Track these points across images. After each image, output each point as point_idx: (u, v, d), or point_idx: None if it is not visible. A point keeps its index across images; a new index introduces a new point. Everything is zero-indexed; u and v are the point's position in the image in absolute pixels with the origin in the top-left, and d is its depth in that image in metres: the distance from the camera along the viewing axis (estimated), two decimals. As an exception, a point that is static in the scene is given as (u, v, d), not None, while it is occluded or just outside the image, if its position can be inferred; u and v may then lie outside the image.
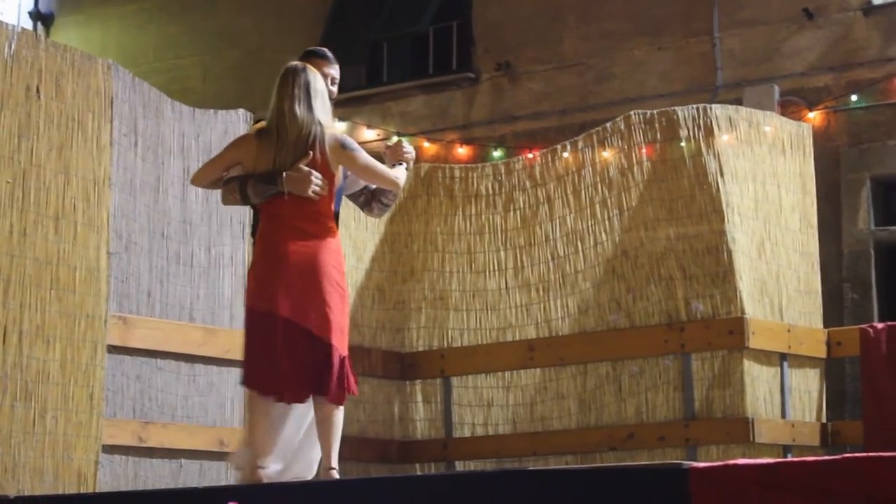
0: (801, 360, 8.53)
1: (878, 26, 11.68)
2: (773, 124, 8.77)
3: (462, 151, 13.01)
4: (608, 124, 8.75)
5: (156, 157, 7.56)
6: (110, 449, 7.06)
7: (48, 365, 6.74)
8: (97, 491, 6.81)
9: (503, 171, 9.08)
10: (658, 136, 8.48)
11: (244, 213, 7.95)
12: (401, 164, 6.10)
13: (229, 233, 7.92)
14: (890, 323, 8.68)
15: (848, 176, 11.50)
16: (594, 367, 8.55)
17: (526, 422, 8.78)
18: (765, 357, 8.24)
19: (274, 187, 5.74)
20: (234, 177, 5.87)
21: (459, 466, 8.88)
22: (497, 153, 12.69)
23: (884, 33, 11.64)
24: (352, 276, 8.55)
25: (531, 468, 4.98)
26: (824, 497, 4.01)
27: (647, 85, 12.55)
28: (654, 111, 8.61)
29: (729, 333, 8.06)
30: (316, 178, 5.72)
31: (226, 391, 7.76)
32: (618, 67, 12.80)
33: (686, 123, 8.39)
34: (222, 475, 7.64)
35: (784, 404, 8.30)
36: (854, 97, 11.53)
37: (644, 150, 8.51)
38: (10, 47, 6.72)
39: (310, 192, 5.72)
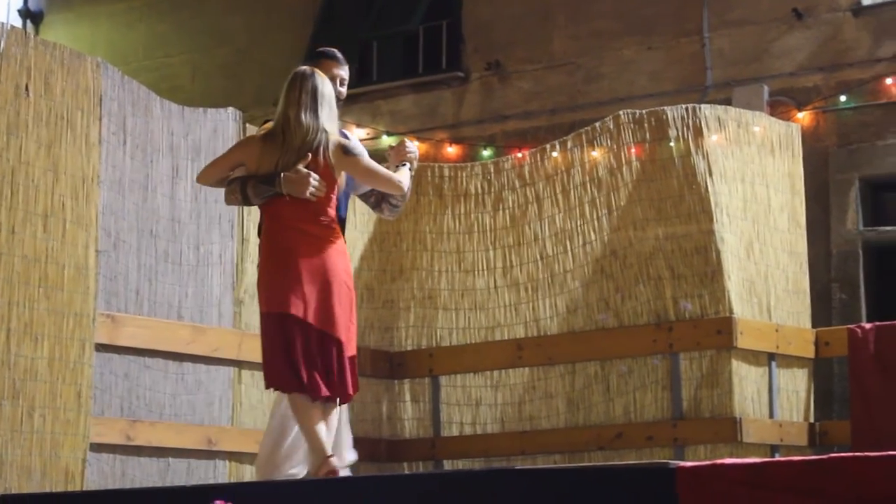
0: (790, 360, 8.55)
1: (867, 27, 11.69)
2: (762, 124, 8.78)
3: (451, 150, 12.99)
4: (597, 124, 8.75)
5: (144, 156, 7.55)
6: (98, 447, 7.05)
7: (36, 363, 6.72)
8: (85, 489, 6.80)
9: (492, 170, 9.08)
10: (647, 135, 8.49)
11: (233, 212, 7.94)
12: (404, 164, 6.11)
13: (218, 231, 7.91)
14: (878, 323, 8.70)
15: (837, 176, 11.50)
16: (583, 367, 8.56)
17: (514, 421, 8.78)
18: (753, 357, 8.25)
19: (272, 188, 5.77)
20: (237, 177, 5.92)
21: (448, 465, 8.88)
22: (486, 152, 12.67)
23: (873, 34, 11.64)
24: (341, 274, 8.54)
25: (519, 467, 4.98)
26: (812, 497, 4.01)
27: (636, 85, 12.54)
28: (644, 111, 8.62)
29: (717, 333, 8.07)
30: (314, 179, 5.74)
31: (214, 389, 7.76)
32: (607, 67, 12.79)
33: (675, 123, 8.40)
34: (210, 474, 7.63)
35: (772, 404, 8.31)
36: (843, 97, 11.52)
37: (633, 150, 8.51)
38: (-1, 45, 6.72)
39: (307, 194, 5.74)
